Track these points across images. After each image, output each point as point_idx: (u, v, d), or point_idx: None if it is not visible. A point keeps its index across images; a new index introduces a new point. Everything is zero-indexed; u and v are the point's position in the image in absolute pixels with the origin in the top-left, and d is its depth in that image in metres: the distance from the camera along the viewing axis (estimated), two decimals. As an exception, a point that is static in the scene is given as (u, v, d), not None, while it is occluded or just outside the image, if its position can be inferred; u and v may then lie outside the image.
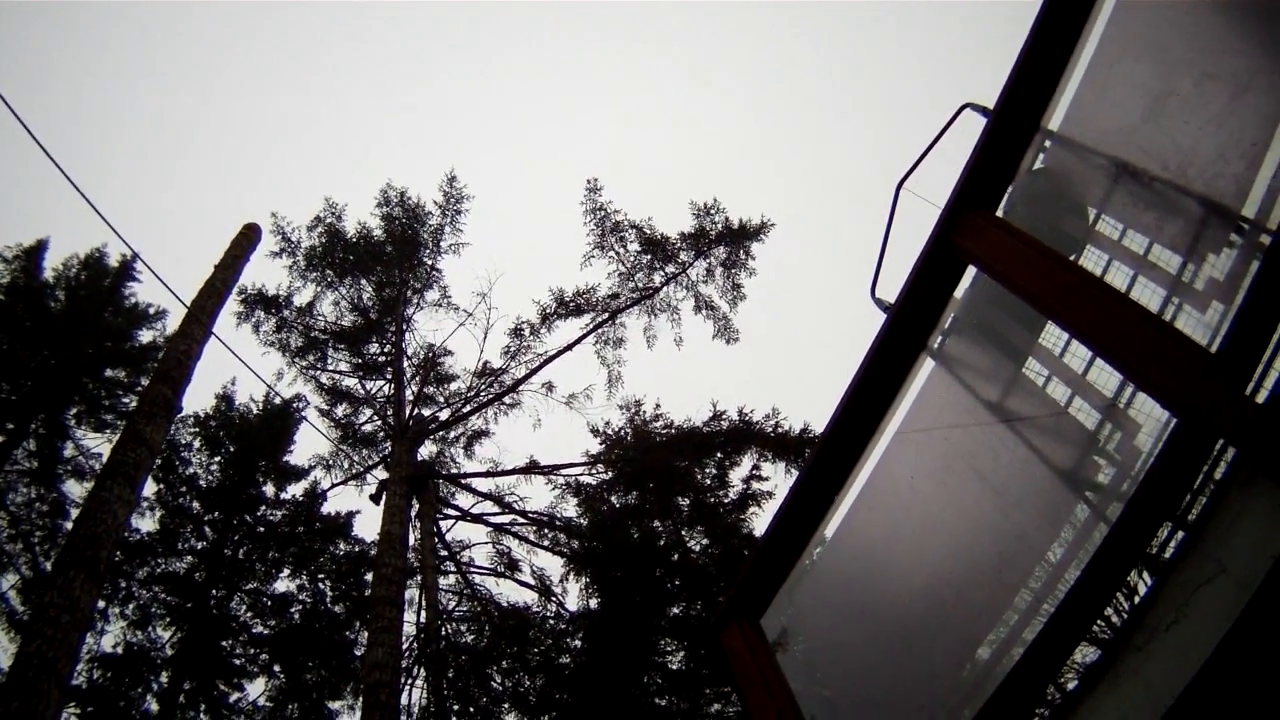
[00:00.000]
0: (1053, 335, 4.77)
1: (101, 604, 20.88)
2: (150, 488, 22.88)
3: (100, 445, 23.64)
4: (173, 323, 25.31)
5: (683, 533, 20.58)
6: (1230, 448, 3.00)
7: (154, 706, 21.05)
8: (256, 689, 22.92)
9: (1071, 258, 4.37)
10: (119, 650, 21.39)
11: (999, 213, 4.31)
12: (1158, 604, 2.78)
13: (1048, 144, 4.70)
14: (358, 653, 22.05)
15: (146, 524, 23.01)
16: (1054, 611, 3.37)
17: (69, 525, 21.33)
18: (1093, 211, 4.80)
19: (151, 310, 25.74)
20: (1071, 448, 4.69)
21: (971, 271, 4.59)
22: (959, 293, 4.79)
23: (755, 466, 20.87)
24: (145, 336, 25.48)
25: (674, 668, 18.43)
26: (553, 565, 30.00)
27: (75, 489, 23.19)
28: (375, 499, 20.67)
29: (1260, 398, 2.98)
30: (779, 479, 20.49)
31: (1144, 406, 4.13)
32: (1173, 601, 2.73)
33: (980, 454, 5.16)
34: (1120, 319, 3.24)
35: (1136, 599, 3.88)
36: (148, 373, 23.30)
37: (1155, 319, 3.24)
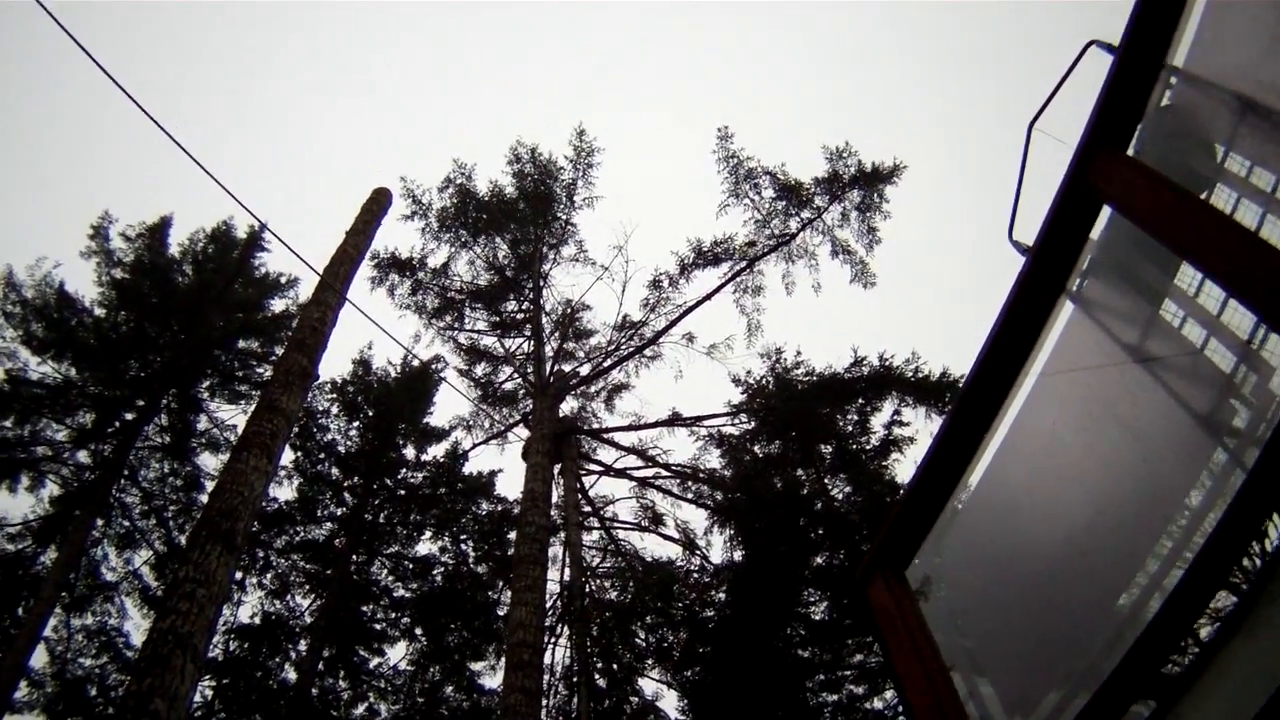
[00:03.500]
0: (1187, 275, 4.63)
1: (239, 574, 21.33)
2: (288, 456, 23.32)
3: (235, 417, 24.29)
4: (305, 290, 25.81)
5: (825, 481, 20.53)
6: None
7: (292, 675, 21.38)
8: (397, 653, 23.34)
9: (1202, 196, 4.24)
10: (257, 620, 21.85)
11: (1130, 151, 4.20)
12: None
13: (1173, 80, 4.55)
14: (500, 612, 22.24)
15: (285, 493, 23.56)
16: (1192, 560, 3.30)
17: (203, 499, 21.68)
18: (1220, 149, 4.64)
19: (283, 279, 26.21)
20: (1208, 391, 4.57)
21: (1106, 212, 4.49)
22: (1095, 234, 4.69)
23: (896, 412, 20.73)
24: (278, 306, 26.02)
25: (816, 618, 18.44)
26: (696, 518, 30.24)
27: (210, 462, 23.82)
28: (526, 456, 21.07)
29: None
30: (920, 424, 20.34)
31: (1277, 348, 3.99)
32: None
33: (1120, 399, 5.05)
34: (1250, 258, 3.13)
35: (1267, 544, 3.79)
36: (281, 342, 23.70)
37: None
